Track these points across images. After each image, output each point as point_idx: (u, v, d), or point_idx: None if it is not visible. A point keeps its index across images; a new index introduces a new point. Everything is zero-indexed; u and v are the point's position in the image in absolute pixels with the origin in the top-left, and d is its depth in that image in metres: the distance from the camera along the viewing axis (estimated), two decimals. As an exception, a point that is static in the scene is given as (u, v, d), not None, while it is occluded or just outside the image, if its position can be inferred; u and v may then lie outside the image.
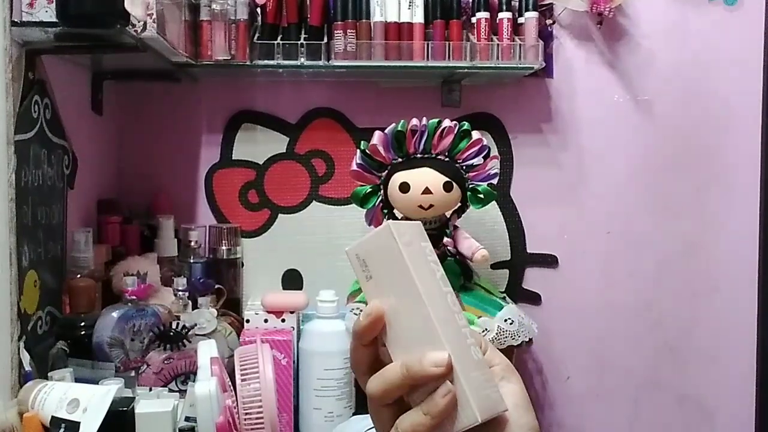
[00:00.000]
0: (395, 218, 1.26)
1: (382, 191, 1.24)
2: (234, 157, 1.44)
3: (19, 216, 0.95)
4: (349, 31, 1.27)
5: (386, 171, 1.23)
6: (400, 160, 1.22)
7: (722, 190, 1.49)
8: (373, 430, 1.13)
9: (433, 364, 0.47)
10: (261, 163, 1.44)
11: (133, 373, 1.02)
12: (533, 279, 1.48)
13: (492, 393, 0.49)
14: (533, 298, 1.48)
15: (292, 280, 1.45)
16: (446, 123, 1.21)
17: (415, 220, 1.25)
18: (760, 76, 1.48)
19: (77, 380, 0.95)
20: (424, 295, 0.49)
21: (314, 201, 1.45)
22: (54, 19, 0.92)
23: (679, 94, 1.48)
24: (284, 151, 1.44)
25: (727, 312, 1.51)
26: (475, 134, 1.22)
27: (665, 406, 1.52)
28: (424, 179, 1.20)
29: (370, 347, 0.52)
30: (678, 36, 1.47)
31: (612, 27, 1.45)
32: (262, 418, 0.96)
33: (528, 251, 1.48)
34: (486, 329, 1.17)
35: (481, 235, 1.35)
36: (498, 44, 1.30)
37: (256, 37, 1.29)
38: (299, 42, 1.28)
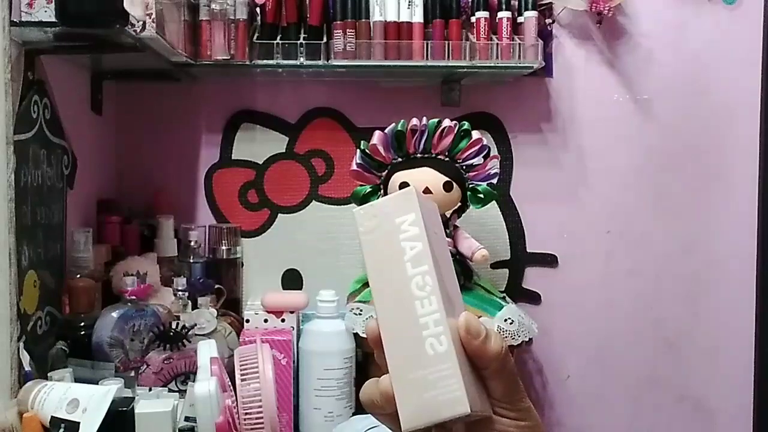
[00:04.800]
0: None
1: (382, 191, 1.24)
2: (233, 157, 1.44)
3: (18, 216, 0.95)
4: (348, 30, 1.27)
5: (386, 171, 1.23)
6: (400, 159, 1.22)
7: (722, 189, 1.49)
8: (373, 430, 1.13)
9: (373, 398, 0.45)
10: (260, 162, 1.44)
11: (132, 373, 1.02)
12: (533, 278, 1.48)
13: (442, 394, 0.42)
14: (533, 298, 1.48)
15: (291, 280, 1.45)
16: (446, 123, 1.21)
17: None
18: (759, 76, 1.48)
19: (77, 380, 0.95)
20: (373, 294, 0.45)
21: (314, 201, 1.45)
22: (53, 19, 0.92)
23: (678, 93, 1.47)
24: (284, 150, 1.44)
25: (726, 311, 1.51)
26: (475, 134, 1.22)
27: (665, 406, 1.52)
28: (424, 179, 1.20)
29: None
30: (677, 35, 1.47)
31: (611, 26, 1.45)
32: (262, 418, 0.96)
33: (528, 251, 1.48)
34: (486, 329, 1.17)
35: (481, 235, 1.35)
36: (497, 44, 1.30)
37: (255, 37, 1.29)
38: (299, 42, 1.28)
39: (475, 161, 1.22)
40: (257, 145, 1.43)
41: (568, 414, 1.50)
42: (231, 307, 1.32)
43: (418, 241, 0.45)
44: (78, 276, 1.09)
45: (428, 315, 0.43)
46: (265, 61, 1.27)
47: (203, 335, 1.11)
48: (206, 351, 1.00)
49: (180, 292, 1.17)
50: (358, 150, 1.23)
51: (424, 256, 0.44)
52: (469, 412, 0.42)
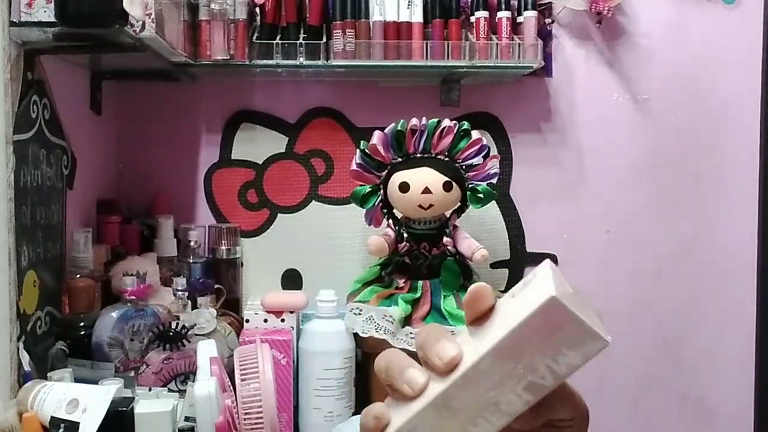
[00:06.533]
0: (395, 218, 1.26)
1: (381, 191, 1.24)
2: (233, 157, 1.44)
3: (18, 216, 0.95)
4: (348, 30, 1.27)
5: (386, 171, 1.23)
6: (399, 159, 1.22)
7: (721, 188, 1.49)
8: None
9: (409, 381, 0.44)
10: (260, 162, 1.44)
11: (132, 373, 1.02)
12: (533, 278, 1.48)
13: None
14: (533, 298, 1.47)
15: (291, 280, 1.45)
16: (446, 123, 1.21)
17: (414, 219, 1.26)
18: (758, 75, 1.48)
19: (77, 380, 0.95)
20: (505, 338, 0.42)
21: (314, 201, 1.44)
22: (52, 19, 0.92)
23: (678, 92, 1.47)
24: (283, 150, 1.44)
25: (726, 311, 1.51)
26: (475, 134, 1.22)
27: (665, 406, 1.52)
28: (424, 179, 1.20)
29: None
30: (677, 35, 1.47)
31: (611, 26, 1.45)
32: (261, 418, 0.96)
33: (528, 251, 1.48)
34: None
35: (481, 234, 1.35)
36: (497, 43, 1.30)
37: (255, 37, 1.29)
38: (298, 42, 1.28)
39: (474, 161, 1.22)
40: (257, 145, 1.43)
41: (568, 414, 1.50)
42: (231, 307, 1.32)
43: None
44: (78, 276, 1.09)
45: (509, 404, 0.42)
46: (264, 61, 1.27)
47: (203, 335, 1.11)
48: (206, 351, 0.99)
49: (180, 292, 1.17)
50: (357, 150, 1.23)
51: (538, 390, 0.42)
52: None
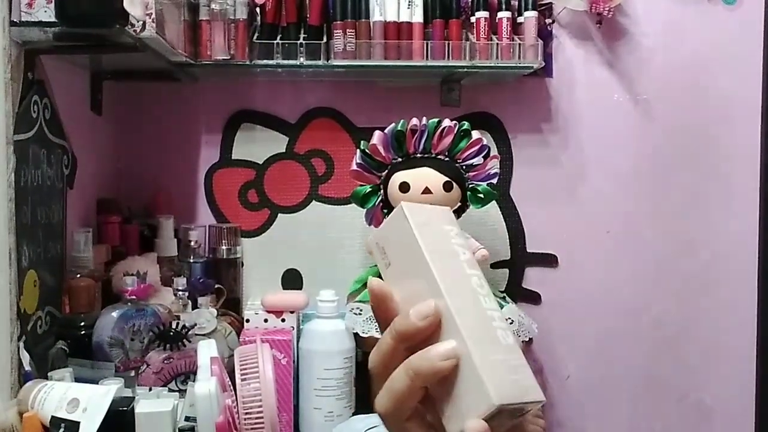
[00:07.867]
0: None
1: (382, 191, 1.24)
2: (233, 157, 1.44)
3: (18, 216, 0.95)
4: (348, 30, 1.27)
5: (386, 171, 1.23)
6: (400, 159, 1.22)
7: (722, 189, 1.49)
8: (373, 430, 1.13)
9: (419, 317, 0.44)
10: (260, 162, 1.44)
11: (133, 373, 1.02)
12: (533, 278, 1.48)
13: (522, 379, 0.44)
14: (533, 298, 1.48)
15: (292, 279, 1.45)
16: (446, 123, 1.21)
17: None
18: (759, 75, 1.48)
19: (77, 380, 0.95)
20: (437, 276, 0.46)
21: (314, 201, 1.45)
22: (53, 19, 0.92)
23: (678, 93, 1.47)
24: (284, 150, 1.44)
25: (726, 311, 1.51)
26: (475, 134, 1.22)
27: (665, 406, 1.52)
28: (424, 179, 1.20)
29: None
30: (677, 35, 1.47)
31: (611, 26, 1.45)
32: (262, 417, 0.96)
33: (528, 251, 1.48)
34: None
35: (481, 234, 1.35)
36: (497, 44, 1.30)
37: (255, 37, 1.29)
38: (298, 42, 1.28)
39: (475, 161, 1.22)
40: (257, 145, 1.43)
41: (568, 414, 1.50)
42: (231, 307, 1.32)
43: (465, 249, 0.49)
44: (78, 276, 1.09)
45: (491, 310, 0.47)
46: (265, 61, 1.27)
47: (203, 335, 1.11)
48: (206, 351, 1.00)
49: (180, 292, 1.17)
50: (358, 150, 1.23)
51: (475, 263, 0.49)
52: (544, 401, 0.45)
